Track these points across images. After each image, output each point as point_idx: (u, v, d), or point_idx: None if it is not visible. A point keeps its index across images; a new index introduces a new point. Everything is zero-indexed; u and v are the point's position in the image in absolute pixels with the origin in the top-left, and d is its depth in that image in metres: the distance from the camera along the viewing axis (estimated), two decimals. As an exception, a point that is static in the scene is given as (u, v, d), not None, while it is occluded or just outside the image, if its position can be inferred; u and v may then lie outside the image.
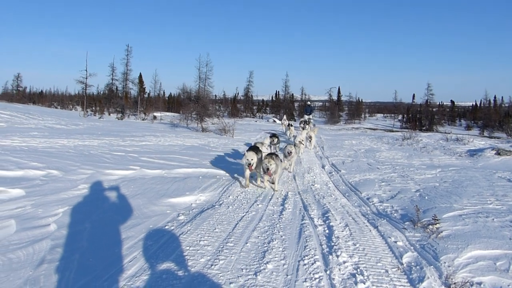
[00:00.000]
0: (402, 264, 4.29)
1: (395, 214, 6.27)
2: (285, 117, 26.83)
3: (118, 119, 38.69)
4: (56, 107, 61.14)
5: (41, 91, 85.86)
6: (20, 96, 64.01)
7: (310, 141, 15.65)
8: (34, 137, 14.00)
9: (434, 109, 55.08)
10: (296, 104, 65.20)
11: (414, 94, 67.03)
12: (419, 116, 53.32)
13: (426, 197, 7.19)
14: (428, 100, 55.16)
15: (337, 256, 4.45)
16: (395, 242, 4.95)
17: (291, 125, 21.37)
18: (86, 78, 43.38)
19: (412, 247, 4.76)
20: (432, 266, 4.18)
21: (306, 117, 25.95)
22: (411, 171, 10.21)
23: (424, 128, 46.94)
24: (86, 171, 8.54)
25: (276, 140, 13.99)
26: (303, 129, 18.98)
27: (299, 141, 13.30)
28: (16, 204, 6.03)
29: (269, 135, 14.68)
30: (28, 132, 15.87)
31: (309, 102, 31.25)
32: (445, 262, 4.26)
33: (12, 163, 8.72)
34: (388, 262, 4.34)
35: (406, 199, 7.18)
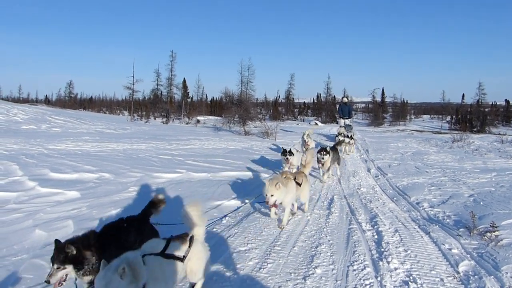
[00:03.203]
0: (458, 273, 4.11)
1: (447, 220, 6.03)
2: (307, 134, 13.44)
3: (163, 123, 39.80)
4: (104, 112, 63.78)
5: (91, 97, 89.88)
6: (72, 102, 67.32)
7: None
8: (86, 142, 14.65)
9: (486, 110, 52.67)
10: (337, 107, 64.52)
11: (463, 94, 64.79)
12: (470, 117, 51.21)
13: (481, 203, 6.87)
14: (480, 100, 52.90)
15: (388, 263, 4.34)
16: (450, 249, 4.75)
17: (290, 153, 9.66)
18: (133, 84, 45.07)
19: (468, 255, 4.55)
20: (492, 276, 3.97)
21: (342, 122, 18.81)
22: (463, 175, 9.80)
23: (475, 129, 45.01)
24: (136, 174, 8.82)
25: None
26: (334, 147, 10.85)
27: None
28: (72, 206, 6.33)
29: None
30: (81, 137, 16.64)
31: (345, 99, 20.43)
32: (507, 272, 4.03)
33: (68, 166, 9.17)
34: (443, 271, 4.17)
35: (459, 204, 6.89)
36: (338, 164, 10.31)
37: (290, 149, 9.68)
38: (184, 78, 59.67)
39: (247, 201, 7.21)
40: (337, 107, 21.53)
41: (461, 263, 4.33)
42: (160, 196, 4.52)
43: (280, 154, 9.89)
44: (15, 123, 21.82)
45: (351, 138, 15.60)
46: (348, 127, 18.35)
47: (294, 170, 8.92)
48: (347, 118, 19.07)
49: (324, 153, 9.28)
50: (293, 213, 6.38)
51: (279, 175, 5.95)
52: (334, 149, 10.26)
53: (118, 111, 65.68)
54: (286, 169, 9.48)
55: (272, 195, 5.36)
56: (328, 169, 9.53)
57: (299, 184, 6.15)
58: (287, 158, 9.56)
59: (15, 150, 11.55)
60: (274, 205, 5.50)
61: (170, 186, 8.00)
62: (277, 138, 21.36)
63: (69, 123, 24.11)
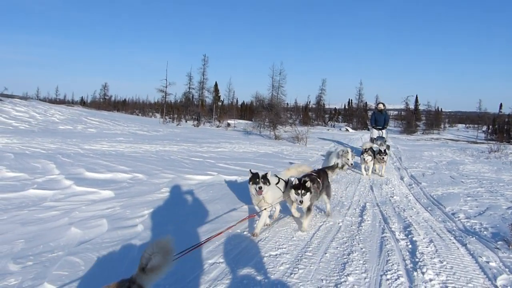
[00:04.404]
0: (496, 287, 3.95)
1: (485, 232, 5.81)
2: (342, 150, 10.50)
3: (194, 126, 40.35)
4: (137, 114, 65.30)
5: (124, 99, 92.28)
6: (106, 104, 69.26)
7: None
8: (120, 142, 15.03)
9: (525, 120, 50.81)
10: (369, 113, 63.69)
11: (501, 104, 62.72)
12: (508, 127, 49.47)
13: (520, 215, 6.60)
14: (518, 110, 50.99)
15: (423, 273, 4.21)
16: (487, 262, 4.57)
17: (265, 180, 5.61)
18: (166, 87, 45.87)
19: (507, 269, 4.36)
20: (532, 292, 3.81)
21: (375, 133, 15.69)
22: (500, 186, 9.44)
23: (512, 140, 43.38)
24: (168, 175, 8.97)
25: None
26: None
27: None
28: (106, 205, 6.50)
29: None
30: (115, 138, 17.08)
31: (381, 106, 16.45)
32: (547, 288, 3.85)
33: (103, 166, 9.42)
34: (480, 284, 4.02)
35: (497, 216, 6.63)
36: (328, 196, 6.78)
37: (265, 174, 5.63)
38: (215, 82, 60.32)
39: (277, 205, 7.16)
40: (370, 115, 17.30)
41: (499, 277, 4.16)
42: None
43: (248, 180, 5.65)
44: (53, 123, 22.65)
45: (385, 153, 11.34)
46: (381, 139, 14.68)
47: (266, 213, 5.71)
48: (380, 129, 15.74)
49: (303, 191, 5.63)
50: None
51: None
52: (323, 174, 6.83)
53: (151, 114, 67.05)
54: (256, 203, 5.79)
55: None
56: (309, 208, 5.88)
57: None
58: (260, 188, 5.44)
59: (52, 150, 11.99)
60: None
61: (201, 188, 8.08)
62: (308, 143, 21.25)
63: (104, 124, 24.82)
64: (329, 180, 7.02)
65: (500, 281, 4.07)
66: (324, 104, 70.60)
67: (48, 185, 7.56)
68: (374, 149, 11.71)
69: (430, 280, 4.07)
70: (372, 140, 14.92)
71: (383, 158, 11.21)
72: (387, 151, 11.78)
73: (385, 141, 14.69)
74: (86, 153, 11.72)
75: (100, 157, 10.95)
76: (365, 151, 11.39)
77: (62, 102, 75.80)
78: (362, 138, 28.69)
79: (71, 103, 76.10)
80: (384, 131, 15.79)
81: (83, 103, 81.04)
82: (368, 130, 35.47)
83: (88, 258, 4.35)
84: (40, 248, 4.60)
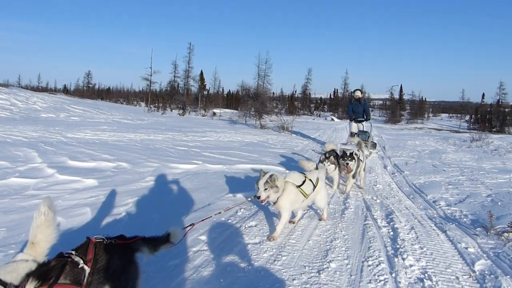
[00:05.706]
0: (474, 272, 4.06)
1: (464, 219, 5.95)
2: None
3: (180, 115, 40.10)
4: (122, 103, 64.56)
5: (109, 87, 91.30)
6: (90, 92, 68.33)
7: None
8: (104, 131, 14.87)
9: (506, 110, 51.79)
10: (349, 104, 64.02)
11: (483, 94, 63.83)
12: (489, 117, 50.54)
13: (499, 203, 6.76)
14: (500, 100, 52.00)
15: (403, 259, 4.31)
16: (466, 248, 4.69)
17: None
18: (151, 75, 45.37)
19: (485, 255, 4.49)
20: (508, 276, 3.91)
21: (354, 127, 13.32)
22: (481, 174, 9.65)
23: (494, 129, 44.36)
24: (152, 164, 8.92)
25: None
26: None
27: None
28: (90, 194, 6.43)
29: None
30: (99, 126, 16.89)
31: (358, 93, 13.60)
32: (523, 272, 3.98)
33: (86, 155, 9.32)
34: (459, 269, 4.13)
35: (477, 203, 6.80)
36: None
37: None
38: (201, 71, 60.00)
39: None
40: (350, 103, 14.01)
41: (477, 262, 4.28)
42: None
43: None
44: (34, 111, 22.25)
45: (350, 157, 7.58)
46: (363, 134, 12.54)
47: None
48: (361, 121, 13.34)
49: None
50: None
51: None
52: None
53: (135, 102, 66.35)
54: None
55: None
56: None
57: None
58: None
59: (34, 138, 11.79)
60: None
61: (186, 177, 8.06)
62: (293, 133, 21.33)
63: (88, 113, 24.49)
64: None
65: (478, 266, 4.18)
66: (310, 93, 70.82)
67: (31, 174, 7.44)
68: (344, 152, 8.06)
69: (410, 265, 4.17)
70: (353, 135, 12.28)
71: (347, 164, 7.56)
72: (364, 152, 8.76)
73: (369, 136, 12.78)
74: (69, 141, 11.57)
75: (83, 145, 10.82)
76: (326, 157, 7.77)
77: (45, 90, 74.48)
78: (347, 128, 28.90)
79: (54, 91, 74.91)
80: (366, 123, 13.43)
81: (66, 91, 79.73)
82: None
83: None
84: (22, 236, 4.54)
